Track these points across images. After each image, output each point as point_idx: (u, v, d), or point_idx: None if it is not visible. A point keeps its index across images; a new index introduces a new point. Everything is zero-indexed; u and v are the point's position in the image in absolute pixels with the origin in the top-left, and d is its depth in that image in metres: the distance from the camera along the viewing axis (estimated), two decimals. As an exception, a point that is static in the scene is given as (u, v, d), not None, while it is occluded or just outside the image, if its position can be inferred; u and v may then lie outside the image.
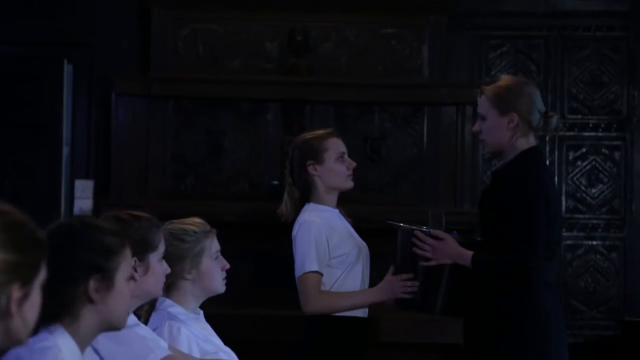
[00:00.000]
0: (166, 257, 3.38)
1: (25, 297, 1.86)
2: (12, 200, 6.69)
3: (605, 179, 6.72)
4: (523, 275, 3.78)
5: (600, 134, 6.75)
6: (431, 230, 4.11)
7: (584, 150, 6.76)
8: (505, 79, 4.05)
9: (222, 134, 6.29)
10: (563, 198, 6.70)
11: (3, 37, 6.49)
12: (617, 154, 6.76)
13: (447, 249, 4.01)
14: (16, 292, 1.84)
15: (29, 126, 6.40)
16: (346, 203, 6.27)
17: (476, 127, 4.04)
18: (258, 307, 5.95)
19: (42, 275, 1.88)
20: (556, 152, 6.74)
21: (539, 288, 3.83)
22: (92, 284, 2.34)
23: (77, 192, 6.35)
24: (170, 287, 3.43)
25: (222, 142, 6.29)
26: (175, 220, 3.52)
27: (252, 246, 6.00)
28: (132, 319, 2.97)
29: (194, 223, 3.51)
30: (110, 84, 6.25)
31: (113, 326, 2.42)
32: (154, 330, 3.34)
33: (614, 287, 6.67)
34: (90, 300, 2.34)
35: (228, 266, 3.48)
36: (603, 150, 6.76)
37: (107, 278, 2.36)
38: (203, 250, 3.43)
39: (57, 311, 2.31)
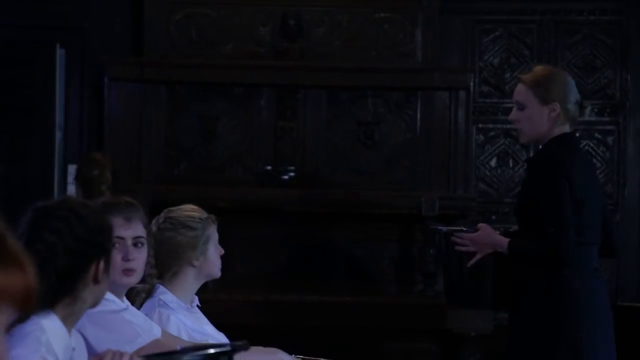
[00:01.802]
0: (174, 245, 3.38)
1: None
2: (5, 184, 6.70)
3: (598, 164, 6.73)
4: (555, 258, 3.83)
5: (593, 119, 6.75)
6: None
7: (577, 135, 6.76)
8: (542, 69, 4.06)
9: (215, 118, 6.28)
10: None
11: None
12: (610, 139, 6.76)
13: (486, 239, 4.11)
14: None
15: (22, 110, 6.39)
16: (337, 189, 6.28)
17: (513, 116, 4.03)
18: (251, 292, 5.96)
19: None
20: (549, 137, 6.75)
21: (572, 272, 3.85)
22: (101, 265, 2.38)
23: (70, 177, 6.34)
24: (173, 274, 3.43)
25: (215, 127, 6.28)
26: (173, 208, 3.51)
27: (245, 231, 6.00)
28: (119, 303, 2.98)
29: (196, 210, 3.51)
30: (103, 69, 6.23)
31: (95, 305, 2.45)
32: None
33: (607, 271, 6.69)
34: (96, 282, 2.37)
35: (222, 252, 3.49)
36: (596, 135, 6.76)
37: (109, 258, 2.41)
38: (210, 237, 3.44)
39: (60, 294, 2.33)
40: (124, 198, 3.13)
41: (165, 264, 3.44)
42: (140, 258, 3.09)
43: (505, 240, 4.01)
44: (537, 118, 3.96)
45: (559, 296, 3.88)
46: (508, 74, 6.72)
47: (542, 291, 3.89)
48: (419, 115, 6.34)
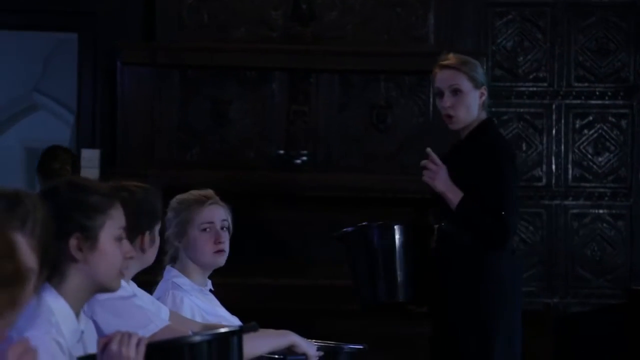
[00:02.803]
0: (169, 227, 3.44)
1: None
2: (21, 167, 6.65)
3: (612, 147, 6.70)
4: (500, 240, 3.88)
5: (606, 102, 6.72)
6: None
7: (590, 118, 6.73)
8: (459, 56, 4.13)
9: (227, 103, 6.28)
10: (569, 167, 6.69)
11: (9, 7, 6.47)
12: (623, 122, 6.73)
13: (444, 176, 4.06)
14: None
15: (39, 93, 6.40)
16: (350, 173, 6.27)
17: (447, 102, 4.06)
18: (263, 276, 5.97)
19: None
20: (562, 121, 6.72)
21: (502, 254, 3.91)
22: (72, 242, 2.38)
23: (84, 162, 6.35)
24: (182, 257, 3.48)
25: (227, 111, 6.28)
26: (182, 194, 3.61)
27: (257, 215, 6.00)
28: (129, 289, 2.98)
29: (189, 193, 3.57)
30: (116, 53, 6.23)
31: (103, 287, 2.45)
32: (157, 299, 3.36)
33: (621, 255, 6.67)
34: (73, 259, 2.38)
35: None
36: (610, 118, 6.73)
37: (90, 237, 2.39)
38: (189, 220, 3.50)
39: (47, 271, 2.33)
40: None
41: (175, 247, 3.49)
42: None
43: (459, 192, 3.98)
44: (472, 102, 4.02)
45: (490, 277, 3.93)
46: (521, 58, 6.70)
47: (472, 274, 3.92)
48: (431, 99, 6.33)
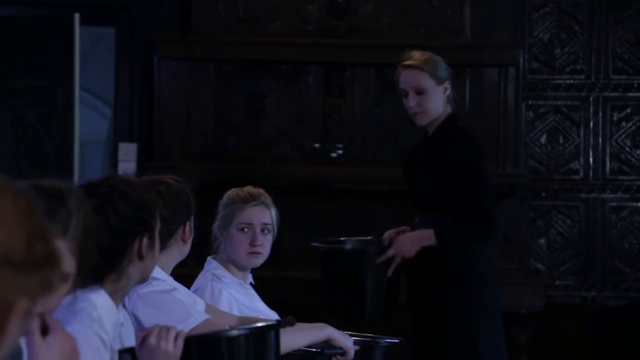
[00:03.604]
0: (218, 221, 3.49)
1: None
2: (55, 162, 6.74)
3: (651, 140, 6.65)
4: (489, 230, 4.00)
5: (645, 95, 6.67)
6: (375, 239, 4.18)
7: (628, 110, 6.68)
8: (421, 53, 4.28)
9: (263, 96, 6.29)
10: (607, 159, 6.65)
11: (46, 1, 6.52)
12: (662, 115, 6.68)
13: (409, 238, 4.14)
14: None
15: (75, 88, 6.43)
16: (385, 166, 6.26)
17: (413, 102, 4.20)
18: (300, 269, 5.97)
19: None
20: (600, 113, 6.67)
21: (475, 248, 3.99)
22: (145, 241, 2.40)
23: (121, 155, 6.39)
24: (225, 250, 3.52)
25: (263, 104, 6.29)
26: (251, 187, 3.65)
27: (293, 209, 6.01)
28: (170, 283, 3.00)
29: (238, 190, 3.61)
30: (152, 48, 6.25)
31: (144, 281, 2.47)
32: (195, 290, 3.38)
33: (659, 248, 6.62)
34: (141, 257, 2.39)
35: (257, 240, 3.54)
36: (648, 110, 6.68)
37: (153, 236, 2.42)
38: (232, 217, 3.54)
39: (104, 271, 2.35)
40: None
41: (218, 240, 3.53)
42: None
43: (429, 232, 4.05)
44: (436, 99, 4.17)
45: (468, 270, 4.09)
46: (558, 50, 6.66)
47: (450, 268, 4.01)
48: (467, 92, 6.30)
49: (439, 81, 4.19)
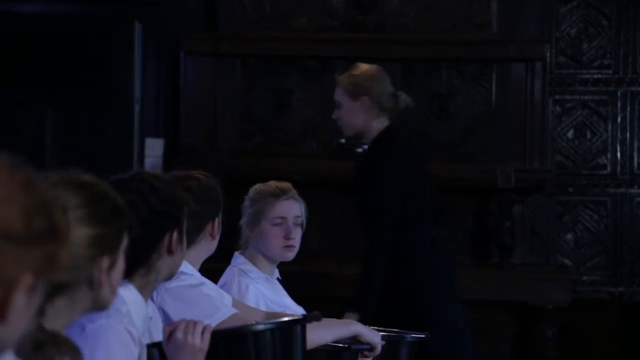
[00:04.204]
0: (246, 216, 3.49)
1: (112, 265, 1.96)
2: (85, 158, 6.81)
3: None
4: (370, 259, 4.28)
5: (673, 90, 6.62)
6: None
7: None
8: (356, 68, 4.59)
9: (289, 92, 6.29)
10: (635, 154, 6.60)
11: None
12: (690, 110, 6.63)
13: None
14: (105, 263, 1.95)
15: (101, 85, 6.46)
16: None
17: (334, 116, 4.60)
18: (326, 264, 5.98)
19: (125, 241, 1.99)
20: (628, 108, 6.63)
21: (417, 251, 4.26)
22: (174, 236, 2.41)
23: (148, 151, 6.41)
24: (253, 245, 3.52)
25: (289, 100, 6.29)
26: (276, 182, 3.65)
27: (319, 204, 6.01)
28: (198, 277, 3.01)
29: (266, 185, 3.61)
30: (179, 43, 6.27)
31: (172, 277, 2.48)
32: (222, 285, 3.38)
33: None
34: (170, 252, 2.40)
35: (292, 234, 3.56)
36: (676, 105, 6.63)
37: (182, 230, 2.43)
38: (262, 212, 3.54)
39: (134, 266, 2.36)
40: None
41: (247, 235, 3.52)
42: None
43: (346, 317, 4.17)
44: (350, 113, 4.46)
45: (413, 275, 4.40)
46: (585, 45, 6.62)
47: (397, 274, 4.25)
48: (494, 87, 6.28)
49: (355, 96, 4.44)
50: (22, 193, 1.31)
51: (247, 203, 3.57)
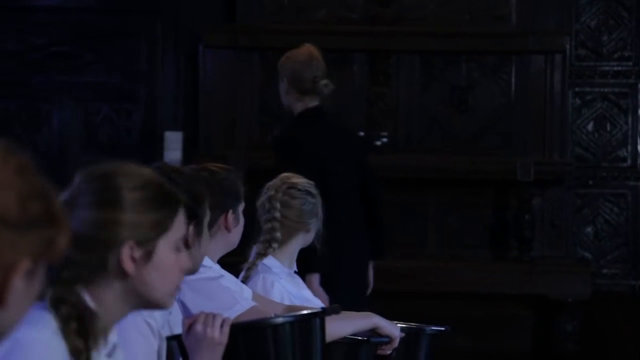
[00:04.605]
0: (301, 211, 3.45)
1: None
2: (108, 152, 6.80)
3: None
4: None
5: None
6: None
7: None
8: (291, 51, 4.75)
9: (308, 84, 6.28)
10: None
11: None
12: None
13: None
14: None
15: (122, 78, 6.47)
16: (430, 154, 6.24)
17: None
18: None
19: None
20: (649, 99, 6.60)
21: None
22: (191, 231, 2.40)
23: (167, 144, 6.42)
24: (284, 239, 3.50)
25: (309, 92, 6.28)
26: (288, 175, 3.59)
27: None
28: (217, 270, 3.01)
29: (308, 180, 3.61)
30: (198, 36, 6.27)
31: (195, 271, 2.48)
32: (247, 282, 3.38)
33: None
34: (187, 246, 2.40)
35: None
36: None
37: (201, 224, 2.43)
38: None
39: None
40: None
41: (283, 230, 3.48)
42: None
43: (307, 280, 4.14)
44: (281, 93, 4.69)
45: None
46: (605, 37, 6.58)
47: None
48: (513, 80, 6.26)
49: (280, 77, 4.68)
50: (18, 178, 1.31)
51: (298, 198, 3.54)
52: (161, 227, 1.93)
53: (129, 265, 1.91)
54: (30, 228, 1.31)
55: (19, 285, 1.31)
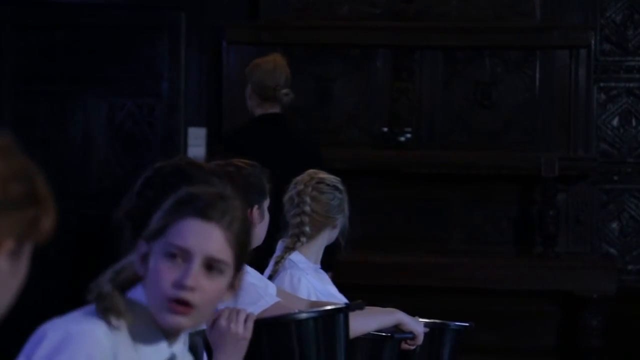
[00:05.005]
0: (329, 206, 3.44)
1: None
2: (131, 147, 6.82)
3: None
4: None
5: None
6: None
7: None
8: (261, 58, 5.07)
9: (331, 80, 6.28)
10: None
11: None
12: None
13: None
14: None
15: (147, 74, 6.49)
16: (454, 150, 6.22)
17: None
18: (369, 253, 5.97)
19: None
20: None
21: None
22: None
23: (191, 140, 6.44)
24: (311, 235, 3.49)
25: (331, 88, 6.29)
26: (316, 171, 3.59)
27: (361, 193, 6.00)
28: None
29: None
30: (221, 32, 6.28)
31: None
32: (272, 275, 3.38)
33: None
34: None
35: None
36: None
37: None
38: None
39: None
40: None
41: (311, 224, 3.48)
42: None
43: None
44: (245, 96, 5.01)
45: None
46: (631, 32, 6.54)
47: None
48: (538, 75, 6.23)
49: (246, 82, 5.02)
50: None
51: (330, 192, 3.54)
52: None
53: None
54: (12, 209, 1.30)
55: (4, 267, 1.31)
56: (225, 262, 1.94)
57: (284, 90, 4.93)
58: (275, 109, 4.93)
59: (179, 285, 1.90)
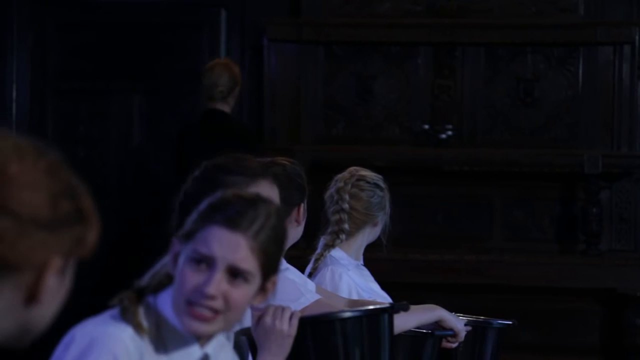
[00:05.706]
0: (369, 204, 3.44)
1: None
2: (171, 144, 6.85)
3: None
4: None
5: None
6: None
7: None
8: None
9: (372, 78, 6.27)
10: None
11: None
12: None
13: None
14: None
15: (187, 72, 6.51)
16: (496, 147, 6.19)
17: None
18: (409, 251, 5.96)
19: None
20: None
21: None
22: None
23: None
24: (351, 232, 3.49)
25: (372, 86, 6.28)
26: (357, 168, 3.59)
27: (402, 190, 5.99)
28: (281, 263, 3.01)
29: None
30: (263, 29, 6.29)
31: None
32: (315, 274, 3.38)
33: None
34: None
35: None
36: None
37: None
38: None
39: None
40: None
41: (350, 222, 3.48)
42: None
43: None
44: None
45: None
46: (675, 27, 6.47)
47: None
48: (581, 72, 6.19)
49: None
50: (47, 178, 1.32)
51: (370, 190, 3.53)
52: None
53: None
54: (61, 227, 1.32)
55: (52, 283, 1.33)
56: (249, 271, 1.96)
57: (220, 89, 5.61)
58: (215, 105, 5.62)
59: (200, 292, 1.92)
